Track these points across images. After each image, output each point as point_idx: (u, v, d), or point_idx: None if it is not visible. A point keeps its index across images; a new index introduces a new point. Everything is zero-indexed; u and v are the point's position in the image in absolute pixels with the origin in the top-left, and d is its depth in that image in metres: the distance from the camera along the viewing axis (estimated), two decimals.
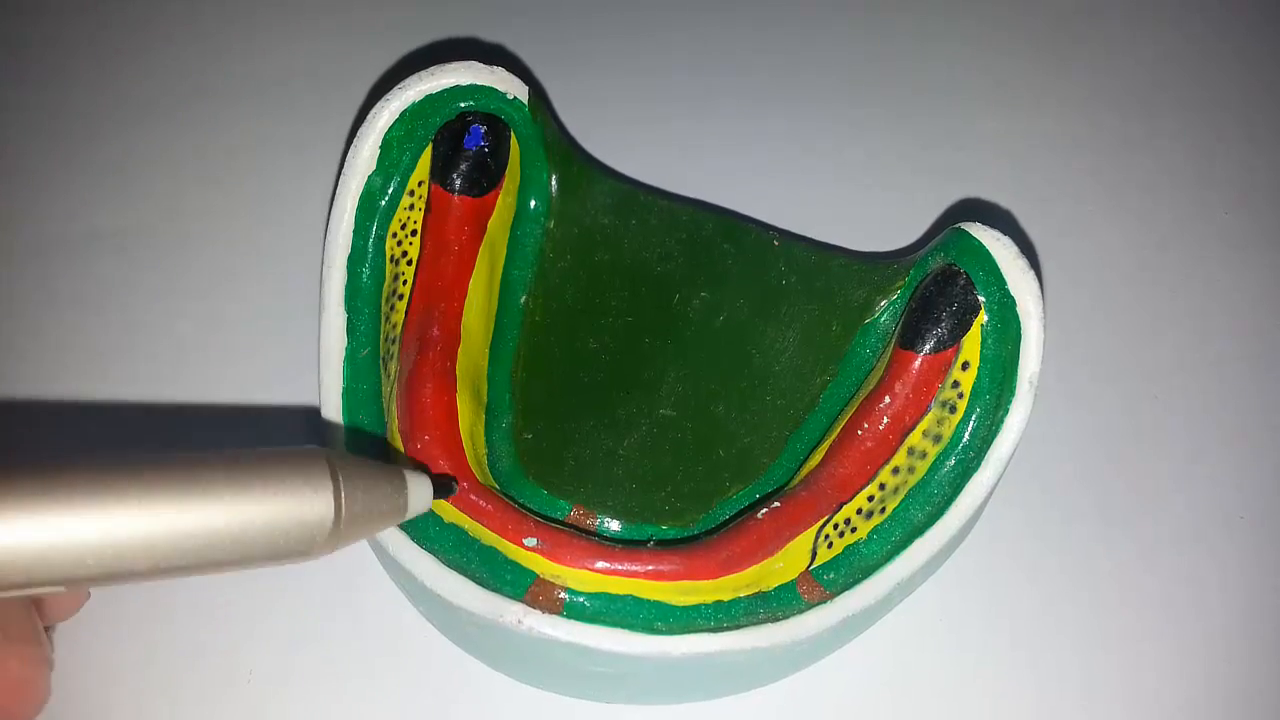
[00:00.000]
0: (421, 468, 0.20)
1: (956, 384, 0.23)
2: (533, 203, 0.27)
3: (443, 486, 0.21)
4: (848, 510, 0.23)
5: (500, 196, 0.26)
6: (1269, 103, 0.35)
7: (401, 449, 0.23)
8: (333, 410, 0.24)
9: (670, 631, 0.21)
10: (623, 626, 0.21)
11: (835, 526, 0.23)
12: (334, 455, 0.17)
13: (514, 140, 0.26)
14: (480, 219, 0.26)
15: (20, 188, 0.32)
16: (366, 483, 0.17)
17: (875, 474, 0.23)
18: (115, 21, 0.36)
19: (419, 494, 0.19)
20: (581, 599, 0.21)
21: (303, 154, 0.32)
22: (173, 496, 0.15)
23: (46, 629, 0.20)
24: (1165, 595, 0.26)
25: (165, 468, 0.16)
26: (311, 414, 0.26)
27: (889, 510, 0.23)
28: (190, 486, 0.15)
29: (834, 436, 0.24)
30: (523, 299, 0.27)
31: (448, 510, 0.22)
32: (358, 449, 0.24)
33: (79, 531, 0.15)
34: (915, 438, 0.23)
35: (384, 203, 0.25)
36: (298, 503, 0.16)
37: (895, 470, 0.23)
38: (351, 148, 0.25)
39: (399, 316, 0.25)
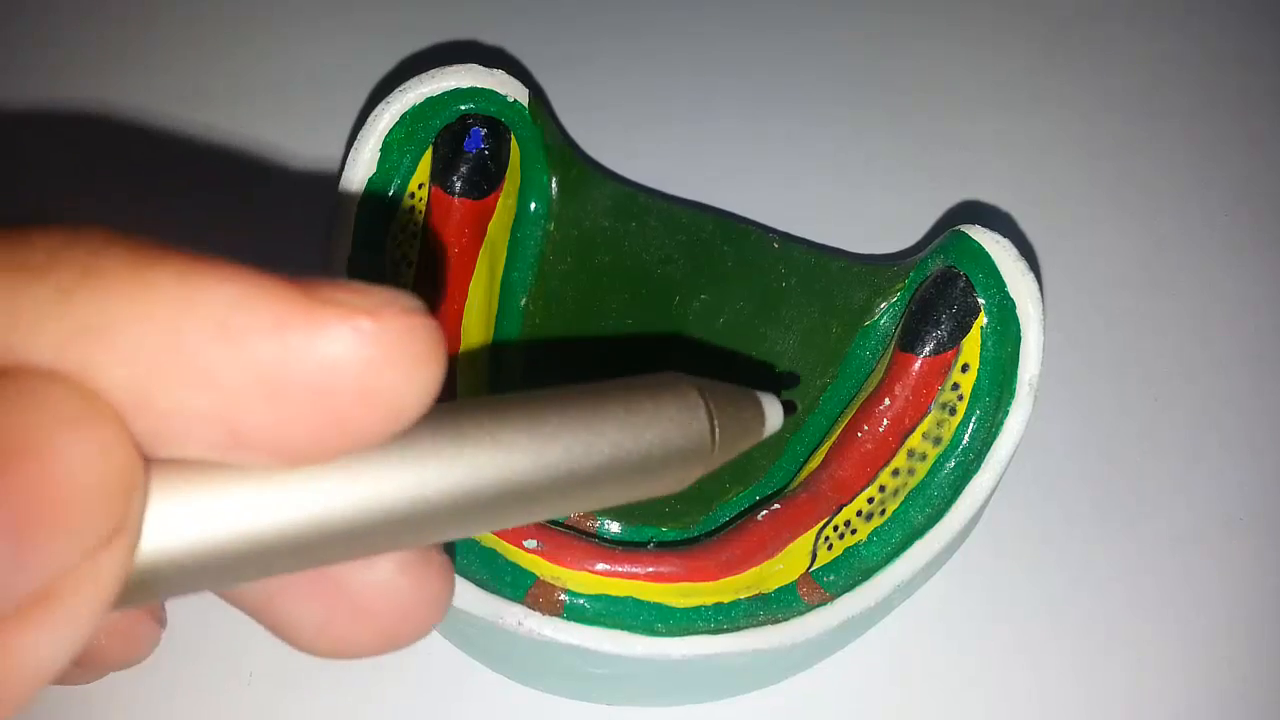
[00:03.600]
0: (770, 395, 0.19)
1: (956, 386, 0.23)
2: (533, 205, 0.27)
3: (790, 405, 0.20)
4: (847, 512, 0.23)
5: (500, 199, 0.26)
6: (1269, 103, 0.35)
7: None
8: None
9: (670, 633, 0.21)
10: (623, 628, 0.21)
11: (835, 528, 0.23)
12: (698, 381, 0.17)
13: (514, 143, 0.26)
14: (480, 221, 0.26)
15: (20, 190, 0.32)
16: (730, 406, 0.17)
17: (875, 476, 0.23)
18: (115, 23, 0.36)
19: (773, 412, 0.19)
20: (581, 601, 0.21)
21: (303, 156, 0.32)
22: (571, 430, 0.15)
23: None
24: (1165, 596, 0.26)
25: (548, 401, 0.15)
26: None
27: (889, 512, 0.23)
28: (585, 417, 0.15)
29: (834, 439, 0.24)
30: (523, 301, 0.27)
31: None
32: None
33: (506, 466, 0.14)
34: (915, 440, 0.23)
35: (384, 205, 0.25)
36: (680, 428, 0.16)
37: (895, 472, 0.23)
38: (352, 150, 0.25)
39: None
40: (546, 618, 0.21)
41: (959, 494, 0.23)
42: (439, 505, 0.13)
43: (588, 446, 0.15)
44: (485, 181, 0.26)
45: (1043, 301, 0.23)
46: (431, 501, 0.13)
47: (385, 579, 0.15)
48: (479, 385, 0.25)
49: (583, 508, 0.15)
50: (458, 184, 0.25)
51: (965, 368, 0.23)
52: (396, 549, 0.14)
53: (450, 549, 0.19)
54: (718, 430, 0.17)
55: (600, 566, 0.21)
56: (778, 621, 0.22)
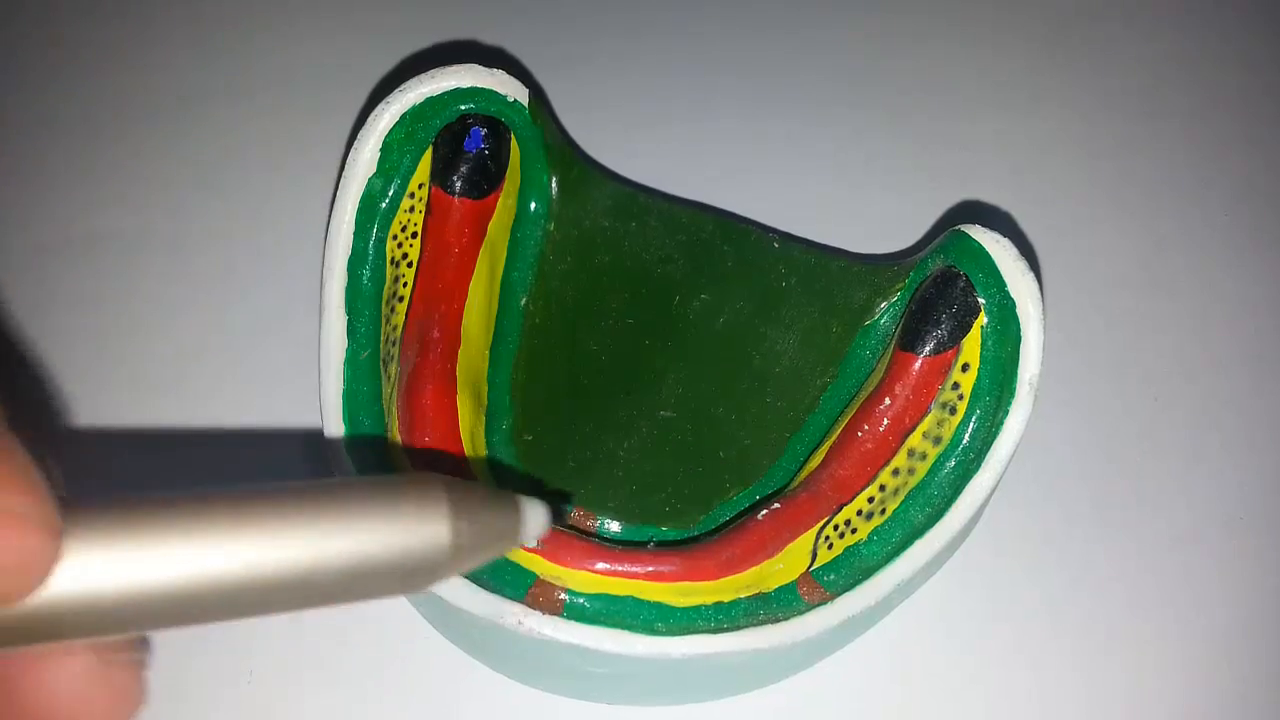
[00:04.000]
0: (534, 496, 0.18)
1: (956, 385, 0.24)
2: (533, 205, 0.27)
3: (558, 512, 0.20)
4: (848, 511, 0.23)
5: (500, 199, 0.26)
6: (1269, 103, 0.35)
7: (402, 449, 0.23)
8: (333, 412, 0.24)
9: (670, 632, 0.21)
10: (623, 627, 0.21)
11: (835, 528, 0.23)
12: (450, 482, 0.16)
13: (514, 143, 0.26)
14: (480, 221, 0.26)
15: (19, 190, 0.32)
16: (482, 511, 0.16)
17: (875, 475, 0.23)
18: (115, 23, 0.36)
19: (535, 519, 0.18)
20: (582, 600, 0.21)
21: (303, 156, 0.32)
22: (291, 529, 0.14)
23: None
24: (1165, 595, 0.26)
25: (280, 498, 0.14)
26: (312, 413, 0.26)
27: (889, 511, 0.23)
28: (309, 517, 0.14)
29: (834, 438, 0.24)
30: (523, 301, 0.27)
31: None
32: (358, 451, 0.24)
33: (208, 568, 0.14)
34: (915, 439, 0.23)
35: (384, 205, 0.25)
36: (417, 533, 0.15)
37: (895, 472, 0.23)
38: (352, 150, 0.25)
39: (399, 319, 0.25)
40: (547, 617, 0.21)
41: (959, 493, 0.23)
42: (117, 601, 0.13)
43: (310, 548, 0.14)
44: (485, 181, 0.26)
45: (1043, 301, 0.23)
46: (107, 597, 0.13)
47: (62, 689, 0.15)
48: (478, 386, 0.25)
49: (305, 606, 0.15)
50: (458, 184, 0.25)
51: (965, 367, 0.23)
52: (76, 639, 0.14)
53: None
54: (463, 536, 0.16)
55: (600, 566, 0.21)
56: (778, 621, 0.22)
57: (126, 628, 0.14)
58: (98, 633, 0.14)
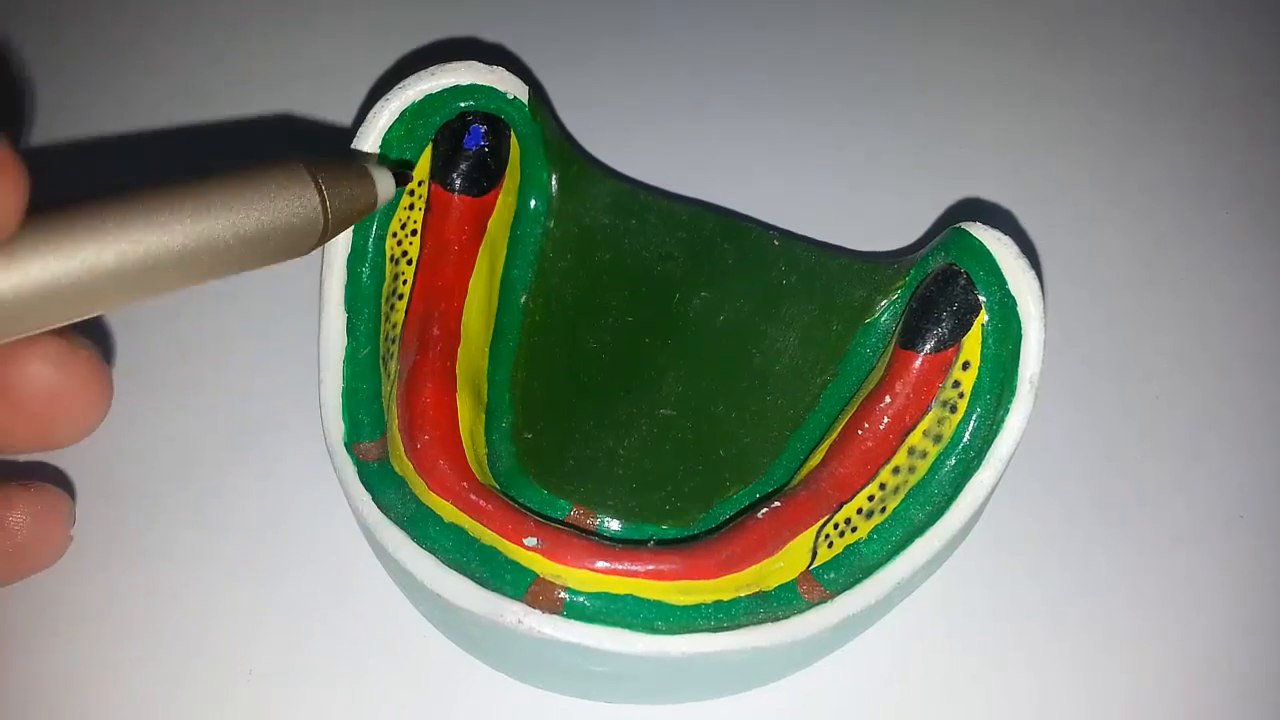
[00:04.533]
0: (382, 164, 0.22)
1: (957, 384, 0.23)
2: (533, 202, 0.27)
3: (400, 176, 0.23)
4: (848, 510, 0.23)
5: (500, 196, 0.26)
6: (1269, 103, 0.35)
7: (401, 449, 0.23)
8: (332, 410, 0.24)
9: (670, 631, 0.21)
10: (623, 626, 0.21)
11: (836, 526, 0.23)
12: (311, 161, 0.20)
13: (514, 140, 0.26)
14: (480, 219, 0.26)
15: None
16: (341, 181, 0.20)
17: (875, 474, 0.23)
18: (113, 22, 0.36)
19: (384, 184, 0.21)
20: (581, 599, 0.21)
21: (303, 153, 0.32)
22: (175, 216, 0.17)
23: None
24: (1165, 595, 0.26)
25: (165, 193, 0.18)
26: (312, 411, 0.26)
27: (889, 510, 0.23)
28: (193, 206, 0.18)
29: (834, 436, 0.24)
30: (523, 299, 0.27)
31: (448, 510, 0.22)
32: (356, 449, 0.24)
33: (93, 258, 0.17)
34: (916, 437, 0.23)
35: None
36: (290, 207, 0.19)
37: (896, 470, 0.23)
38: (351, 147, 0.25)
39: (399, 316, 0.25)
40: (546, 615, 0.21)
41: (960, 492, 0.23)
42: (65, 283, 0.16)
43: (207, 224, 0.18)
44: (485, 179, 0.26)
45: (1044, 299, 0.23)
46: (58, 279, 0.16)
47: (37, 374, 0.19)
48: (478, 383, 0.25)
49: (211, 277, 0.18)
50: (457, 181, 0.25)
51: (966, 365, 0.23)
52: (32, 330, 0.17)
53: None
54: (329, 202, 0.19)
55: (600, 564, 0.21)
56: (778, 619, 0.22)
57: (77, 308, 0.17)
58: (53, 315, 0.17)
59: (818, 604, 0.22)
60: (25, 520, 0.22)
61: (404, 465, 0.23)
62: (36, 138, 0.33)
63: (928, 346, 0.24)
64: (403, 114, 0.25)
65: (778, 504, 0.23)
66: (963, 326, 0.23)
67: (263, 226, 0.19)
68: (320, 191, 0.19)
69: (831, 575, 0.23)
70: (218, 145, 0.33)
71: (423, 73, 0.25)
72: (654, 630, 0.21)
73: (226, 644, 0.24)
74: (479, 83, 0.26)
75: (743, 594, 0.22)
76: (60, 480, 0.27)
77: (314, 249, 0.20)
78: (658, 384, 0.26)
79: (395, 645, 0.24)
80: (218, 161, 0.32)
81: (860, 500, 0.23)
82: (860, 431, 0.23)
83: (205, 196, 0.18)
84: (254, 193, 0.19)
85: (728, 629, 0.21)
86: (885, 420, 0.23)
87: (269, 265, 0.19)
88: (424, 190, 0.26)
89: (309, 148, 0.32)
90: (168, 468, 0.27)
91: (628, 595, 0.21)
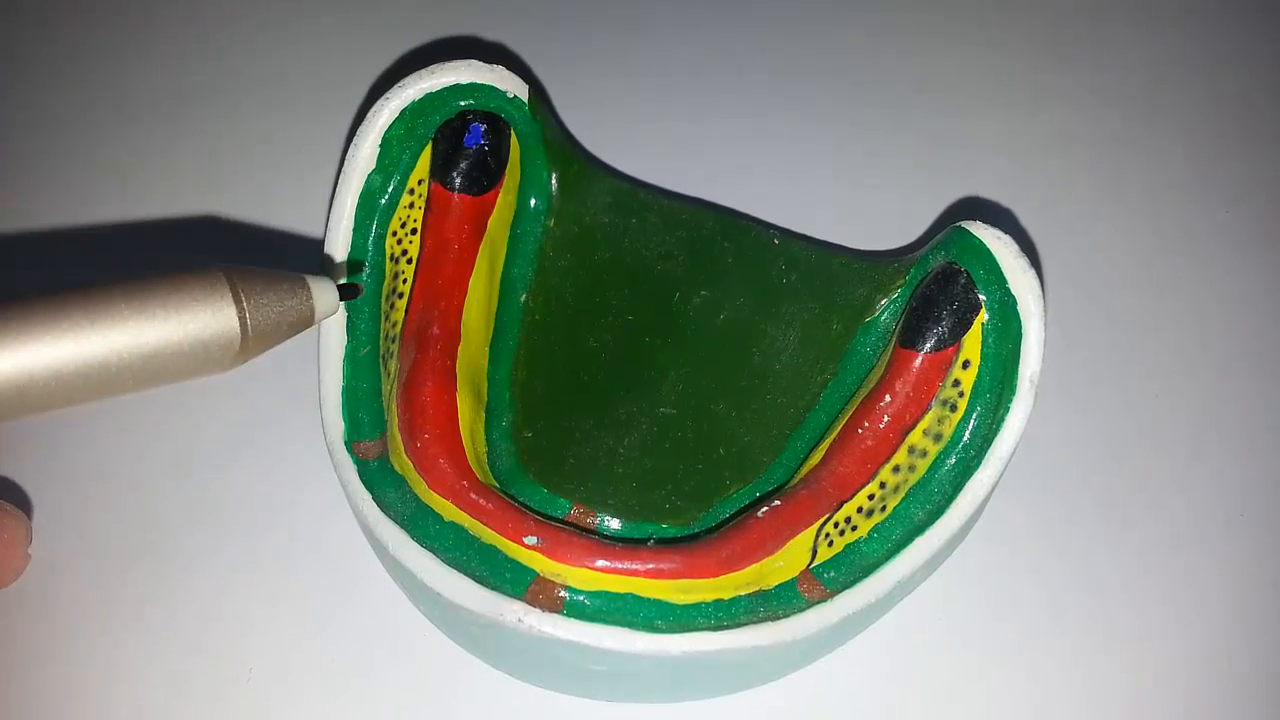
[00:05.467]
0: (325, 274, 0.21)
1: (957, 383, 0.23)
2: (533, 201, 0.27)
3: (347, 288, 0.21)
4: (848, 509, 0.23)
5: (500, 195, 0.26)
6: (1269, 103, 0.35)
7: (401, 447, 0.23)
8: (332, 409, 0.24)
9: (670, 630, 0.21)
10: (623, 625, 0.21)
11: (836, 525, 0.23)
12: (232, 270, 0.18)
13: (514, 139, 0.26)
14: (480, 217, 0.26)
15: (19, 188, 0.32)
16: (268, 293, 0.18)
17: (876, 472, 0.23)
18: (114, 21, 0.36)
19: (324, 298, 0.20)
20: (581, 597, 0.21)
21: (303, 152, 0.32)
22: (79, 328, 0.16)
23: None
24: (1165, 595, 0.26)
25: (68, 301, 0.16)
26: (312, 410, 0.26)
27: (889, 509, 0.23)
28: (97, 316, 0.16)
29: (834, 435, 0.24)
30: (523, 297, 0.27)
31: (448, 509, 0.22)
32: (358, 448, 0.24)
33: (39, 361, 0.16)
34: (916, 436, 0.23)
35: (384, 201, 0.25)
36: (203, 320, 0.17)
37: (896, 469, 0.23)
38: (351, 146, 0.25)
39: (399, 315, 0.25)
40: (547, 614, 0.21)
41: (960, 491, 0.23)
42: None
43: (108, 340, 0.16)
44: (485, 177, 0.25)
45: (1044, 298, 0.23)
46: None
47: None
48: (478, 382, 0.25)
49: (112, 393, 0.17)
50: (457, 180, 0.25)
51: (966, 364, 0.23)
52: None
53: None
54: (249, 317, 0.18)
55: (600, 563, 0.21)
56: (778, 618, 0.22)
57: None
58: None
59: (818, 603, 0.22)
60: None
61: (404, 464, 0.23)
62: (36, 136, 0.32)
63: (928, 345, 0.23)
64: (403, 113, 0.25)
65: (778, 503, 0.23)
66: (963, 325, 0.23)
67: (168, 340, 0.17)
68: (239, 302, 0.18)
69: (831, 574, 0.23)
70: (218, 143, 0.33)
71: (423, 71, 0.25)
72: (654, 629, 0.21)
73: (226, 644, 0.24)
74: (479, 81, 0.26)
75: (743, 593, 0.22)
76: (60, 480, 0.26)
77: (235, 365, 0.18)
78: (658, 383, 0.26)
79: (395, 644, 0.24)
80: (217, 163, 0.32)
81: (860, 499, 0.23)
82: (860, 430, 0.23)
83: (105, 306, 0.16)
84: (160, 303, 0.17)
85: (728, 628, 0.21)
86: (885, 419, 0.23)
87: (180, 380, 0.17)
88: (424, 189, 0.25)
89: (308, 143, 0.32)
90: (168, 467, 0.27)
91: (628, 594, 0.21)
